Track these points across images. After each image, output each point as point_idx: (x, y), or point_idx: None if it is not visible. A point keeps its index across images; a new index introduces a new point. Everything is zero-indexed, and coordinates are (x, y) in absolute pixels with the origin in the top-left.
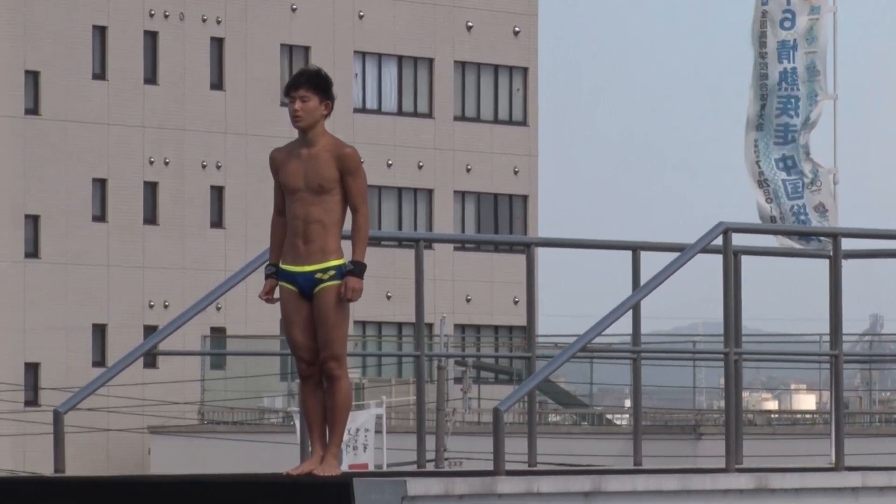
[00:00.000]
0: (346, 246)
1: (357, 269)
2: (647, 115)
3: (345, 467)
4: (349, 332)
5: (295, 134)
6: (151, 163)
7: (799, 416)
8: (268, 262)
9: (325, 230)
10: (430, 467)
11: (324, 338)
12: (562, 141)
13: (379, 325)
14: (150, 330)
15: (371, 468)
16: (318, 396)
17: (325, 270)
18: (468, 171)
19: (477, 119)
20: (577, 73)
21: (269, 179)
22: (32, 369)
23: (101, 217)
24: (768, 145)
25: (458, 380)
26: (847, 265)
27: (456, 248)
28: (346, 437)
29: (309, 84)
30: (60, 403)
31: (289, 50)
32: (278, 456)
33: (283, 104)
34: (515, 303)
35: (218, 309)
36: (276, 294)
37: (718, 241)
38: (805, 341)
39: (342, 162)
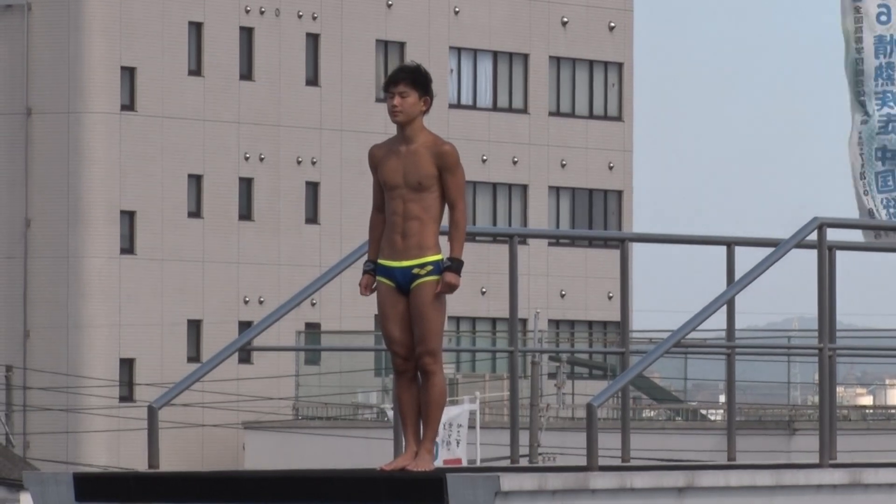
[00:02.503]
0: (443, 242)
1: (454, 265)
2: (743, 110)
3: (438, 462)
4: (444, 328)
5: (392, 130)
6: (247, 159)
7: (894, 411)
8: (366, 258)
9: (423, 226)
10: (523, 462)
11: (420, 333)
12: (657, 136)
13: (473, 320)
14: (244, 325)
15: (464, 463)
16: (413, 391)
17: (422, 266)
18: (563, 166)
19: (572, 114)
20: (672, 68)
21: (364, 175)
22: (128, 365)
23: (196, 213)
24: (870, 138)
25: (551, 375)
26: None
27: (550, 244)
28: (440, 432)
29: (408, 80)
30: (155, 399)
31: (384, 46)
32: (372, 451)
33: (378, 100)
34: (609, 298)
35: (313, 305)
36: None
37: (813, 236)
38: None
39: (441, 159)
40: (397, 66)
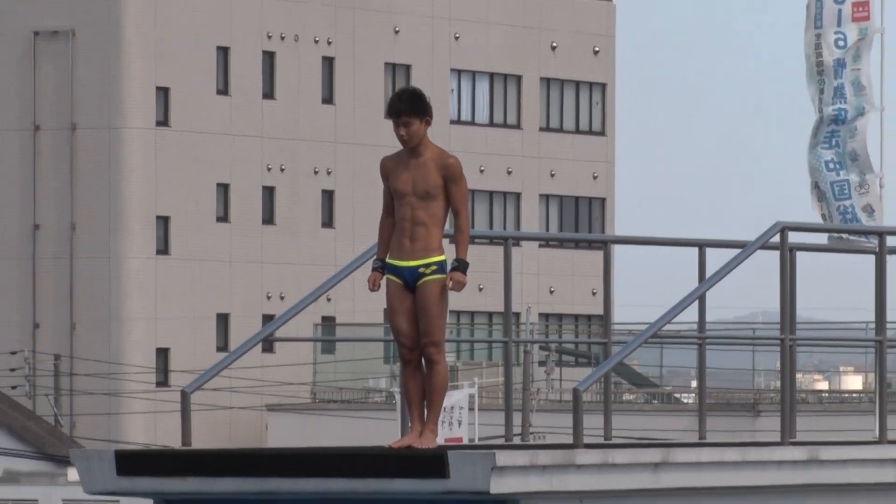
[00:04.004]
0: (449, 246)
1: (461, 265)
2: (714, 125)
3: (441, 441)
4: (447, 322)
5: (399, 144)
6: (269, 169)
7: (846, 395)
8: (375, 257)
9: (429, 231)
10: (516, 441)
11: (425, 326)
12: (637, 149)
13: (472, 314)
14: (267, 318)
15: (464, 442)
16: (417, 378)
17: (427, 266)
18: (552, 176)
19: (560, 130)
20: (651, 87)
21: (375, 184)
22: (163, 354)
23: (224, 218)
24: (822, 152)
25: (542, 363)
26: (892, 260)
27: (541, 246)
28: (442, 414)
29: (409, 110)
30: (187, 384)
31: (392, 68)
32: (381, 431)
33: (387, 117)
34: (593, 294)
35: (328, 300)
36: (381, 285)
37: (777, 238)
38: (852, 328)
39: (446, 171)
40: (395, 95)
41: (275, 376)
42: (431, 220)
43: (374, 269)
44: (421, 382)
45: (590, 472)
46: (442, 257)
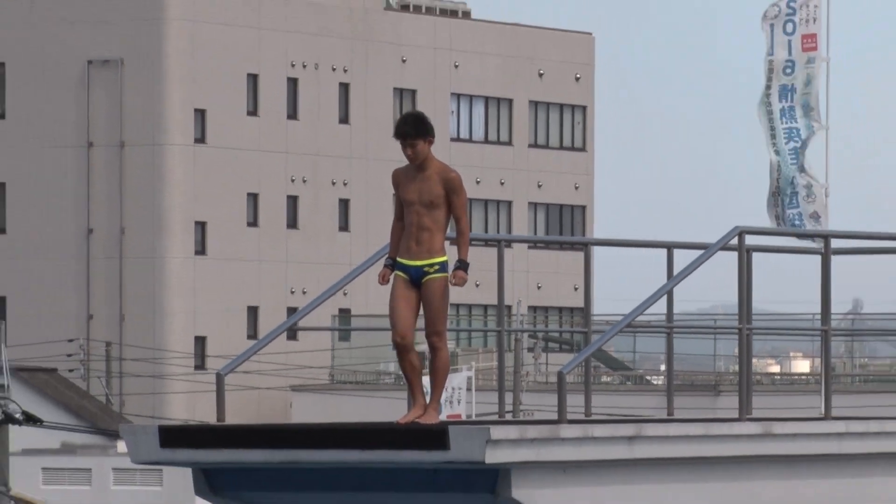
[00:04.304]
0: (451, 249)
1: (463, 265)
2: (684, 141)
3: (443, 417)
4: (448, 314)
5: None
6: (293, 181)
7: (796, 377)
8: (387, 256)
9: (433, 235)
10: (508, 417)
11: (429, 317)
12: (614, 163)
13: (469, 306)
14: (291, 310)
15: (463, 418)
16: (412, 360)
17: (431, 265)
18: (539, 186)
19: (546, 146)
20: (627, 109)
21: (385, 194)
22: (200, 341)
23: (253, 223)
24: (778, 165)
25: (530, 349)
26: (835, 260)
27: (529, 247)
28: (444, 394)
29: (413, 134)
30: (222, 368)
31: (399, 92)
32: (392, 408)
33: (395, 138)
34: (575, 289)
35: (345, 294)
36: (390, 279)
37: (735, 240)
38: (801, 319)
39: (448, 184)
40: (401, 119)
41: (298, 361)
42: (435, 226)
43: (385, 266)
44: (415, 364)
45: (572, 445)
46: (444, 258)
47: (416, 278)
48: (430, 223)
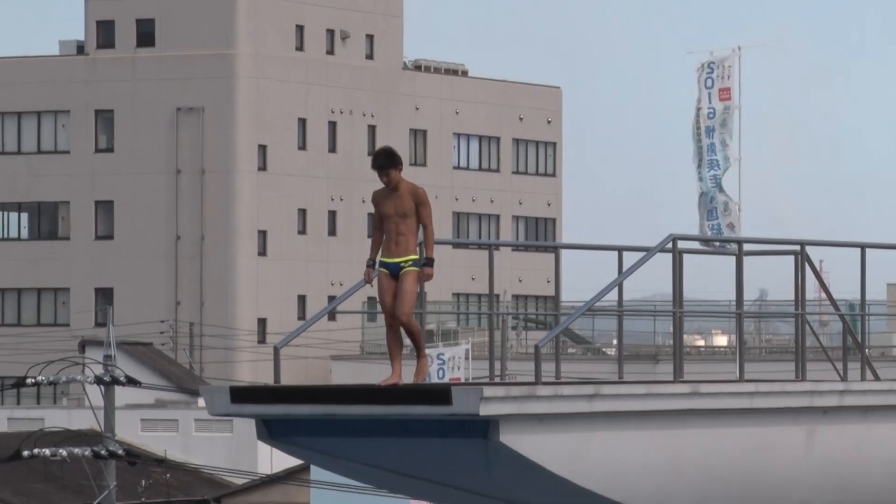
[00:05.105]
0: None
1: (429, 262)
2: (632, 168)
3: (445, 379)
4: (416, 299)
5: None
6: (332, 199)
7: (717, 349)
8: (368, 258)
9: (407, 239)
10: (497, 380)
11: (401, 299)
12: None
13: (467, 295)
14: (331, 298)
15: (462, 381)
16: (395, 336)
17: (406, 261)
18: (520, 204)
19: (525, 173)
20: (587, 144)
21: None
22: (262, 322)
23: (302, 231)
24: (703, 187)
25: (514, 328)
26: (746, 259)
27: (513, 250)
28: (447, 362)
29: (387, 165)
30: (278, 342)
31: (414, 132)
32: (406, 374)
33: (372, 168)
34: (548, 282)
35: (371, 286)
36: (372, 276)
37: (670, 245)
38: (721, 304)
39: (416, 198)
40: (376, 154)
41: (336, 336)
42: (409, 232)
43: (367, 266)
44: (398, 340)
45: (546, 401)
46: (416, 256)
47: (395, 272)
48: (406, 230)
